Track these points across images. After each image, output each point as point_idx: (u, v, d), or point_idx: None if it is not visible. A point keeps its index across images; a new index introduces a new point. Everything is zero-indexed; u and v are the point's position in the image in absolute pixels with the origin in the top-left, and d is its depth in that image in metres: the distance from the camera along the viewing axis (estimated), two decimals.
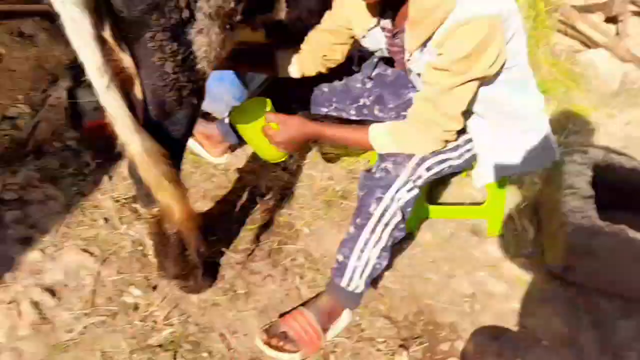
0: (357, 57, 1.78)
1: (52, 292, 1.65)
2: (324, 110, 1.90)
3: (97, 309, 1.62)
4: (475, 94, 1.42)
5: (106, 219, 1.90)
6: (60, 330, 1.56)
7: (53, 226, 1.85)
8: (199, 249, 1.59)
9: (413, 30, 1.38)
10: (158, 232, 1.56)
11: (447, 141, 1.48)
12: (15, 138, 2.17)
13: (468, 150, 1.59)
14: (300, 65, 1.74)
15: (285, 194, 2.10)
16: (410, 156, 1.49)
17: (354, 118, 1.87)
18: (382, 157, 1.53)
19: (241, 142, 1.90)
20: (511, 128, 1.56)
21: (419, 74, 1.47)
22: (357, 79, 1.86)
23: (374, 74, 1.84)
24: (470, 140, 1.59)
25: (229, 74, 2.22)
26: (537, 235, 2.04)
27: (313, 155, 2.28)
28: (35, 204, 1.91)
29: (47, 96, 2.35)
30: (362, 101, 1.85)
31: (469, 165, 1.62)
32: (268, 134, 1.56)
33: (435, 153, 1.51)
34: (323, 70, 1.76)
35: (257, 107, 1.63)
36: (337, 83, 1.87)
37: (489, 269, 1.91)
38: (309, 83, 1.86)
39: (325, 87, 1.87)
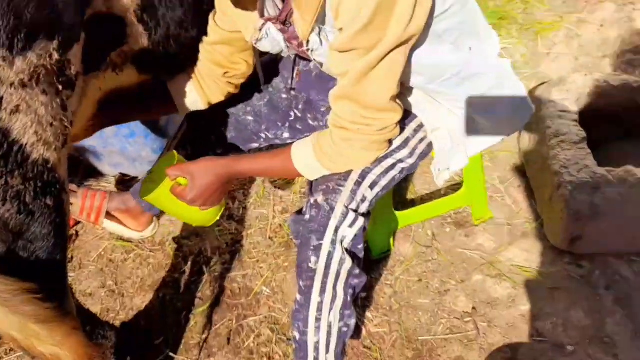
0: (262, 72, 1.44)
1: None
2: (255, 145, 1.57)
3: None
4: (407, 65, 1.09)
5: None
6: None
7: None
8: None
9: (298, 6, 1.05)
10: None
11: (388, 141, 1.18)
12: None
13: (421, 140, 1.28)
14: (201, 93, 1.41)
15: (236, 250, 1.77)
16: (345, 176, 1.19)
17: (289, 142, 1.55)
18: (311, 188, 1.23)
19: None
20: (467, 93, 1.23)
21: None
22: (280, 89, 1.53)
23: (293, 81, 1.51)
24: (421, 126, 1.27)
25: (139, 126, 1.86)
26: (533, 204, 1.79)
27: (259, 188, 1.95)
28: None
29: None
30: (292, 114, 1.53)
31: (426, 157, 1.32)
32: (177, 193, 1.25)
33: (378, 160, 1.20)
34: (232, 90, 1.43)
35: (165, 166, 1.30)
36: (260, 104, 1.54)
37: (485, 268, 1.65)
38: (228, 118, 1.53)
39: (249, 117, 1.54)
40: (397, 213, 1.66)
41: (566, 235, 1.60)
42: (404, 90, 1.21)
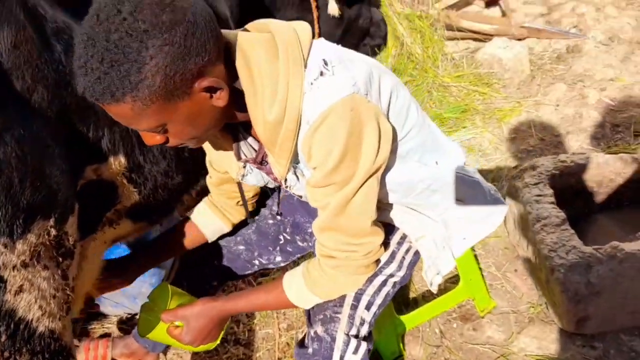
0: (247, 208, 1.53)
1: None
2: (249, 272, 1.63)
3: None
4: (381, 187, 1.17)
5: None
6: None
7: None
8: None
9: (271, 151, 1.14)
10: None
11: (376, 262, 1.22)
12: None
13: (407, 251, 1.33)
14: (225, 220, 1.49)
15: None
16: (340, 302, 1.23)
17: (283, 265, 1.61)
18: (309, 319, 1.27)
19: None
20: (442, 201, 1.32)
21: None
22: (266, 216, 1.62)
23: (279, 206, 1.60)
24: (404, 237, 1.33)
25: None
26: (533, 287, 1.81)
27: None
28: None
29: None
30: (281, 238, 1.60)
31: (413, 268, 1.37)
32: (174, 335, 1.28)
33: (369, 280, 1.25)
34: (250, 208, 1.52)
35: (160, 301, 1.36)
36: (249, 232, 1.61)
37: None
38: (220, 249, 1.60)
39: (240, 246, 1.61)
40: (401, 317, 1.68)
41: (572, 317, 1.61)
42: (382, 205, 1.29)
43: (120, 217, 1.34)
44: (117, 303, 1.96)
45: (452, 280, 1.86)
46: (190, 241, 1.52)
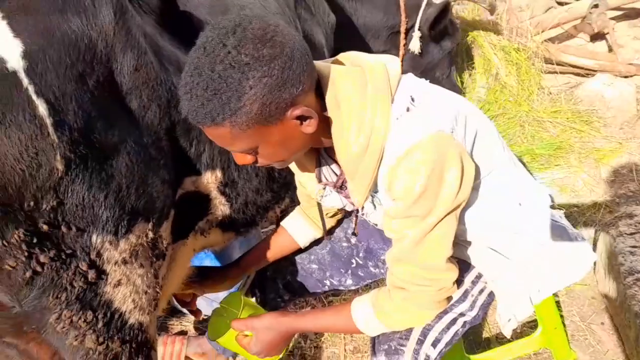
0: (324, 226, 1.59)
1: None
2: (319, 291, 1.69)
3: None
4: (459, 223, 1.17)
5: None
6: None
7: None
8: None
9: (352, 180, 1.18)
10: None
11: (447, 299, 1.22)
12: None
13: (481, 291, 1.32)
14: (317, 228, 1.57)
15: None
16: (406, 335, 1.24)
17: (353, 288, 1.65)
18: (373, 347, 1.29)
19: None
20: (524, 245, 1.28)
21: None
22: (340, 238, 1.67)
23: (356, 227, 1.64)
24: (479, 277, 1.32)
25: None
26: (621, 344, 1.70)
27: None
28: None
29: None
30: (354, 261, 1.64)
31: (486, 310, 1.34)
32: (243, 344, 1.37)
33: (438, 316, 1.25)
34: (334, 224, 1.62)
35: (234, 306, 1.46)
36: (322, 252, 1.67)
37: None
38: (294, 266, 1.68)
39: (314, 265, 1.67)
40: (471, 356, 1.65)
41: None
42: (459, 242, 1.28)
43: (211, 227, 1.45)
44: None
45: (530, 325, 1.79)
46: (283, 248, 1.60)
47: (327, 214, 1.54)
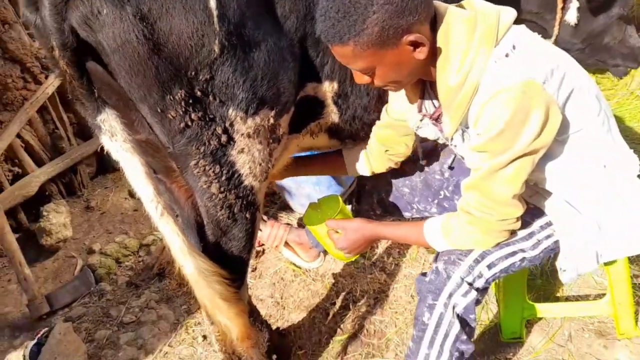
0: (421, 152, 1.77)
1: None
2: (407, 214, 1.90)
3: None
4: (539, 171, 1.30)
5: (204, 337, 2.09)
6: None
7: (158, 346, 2.08)
8: None
9: (447, 112, 1.34)
10: (223, 351, 1.67)
11: (509, 231, 1.36)
12: (147, 263, 2.54)
13: (548, 237, 1.43)
14: (367, 163, 1.80)
15: (379, 298, 2.09)
16: (467, 252, 1.40)
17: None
18: (437, 255, 1.47)
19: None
20: (601, 204, 1.36)
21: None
22: (435, 171, 1.85)
23: (454, 161, 1.81)
24: (549, 224, 1.43)
25: (325, 176, 2.39)
26: None
27: (413, 251, 2.25)
28: (148, 324, 2.18)
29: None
30: (442, 193, 1.83)
31: (549, 255, 1.45)
32: (332, 239, 1.63)
33: (500, 245, 1.39)
34: (392, 165, 1.79)
35: (329, 206, 1.74)
36: (416, 180, 1.87)
37: None
38: (390, 186, 1.91)
39: (406, 189, 1.89)
40: (531, 303, 1.76)
41: None
42: (539, 190, 1.41)
43: (320, 131, 1.72)
44: (303, 204, 2.45)
45: (600, 289, 1.83)
46: (335, 168, 1.86)
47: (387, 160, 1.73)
